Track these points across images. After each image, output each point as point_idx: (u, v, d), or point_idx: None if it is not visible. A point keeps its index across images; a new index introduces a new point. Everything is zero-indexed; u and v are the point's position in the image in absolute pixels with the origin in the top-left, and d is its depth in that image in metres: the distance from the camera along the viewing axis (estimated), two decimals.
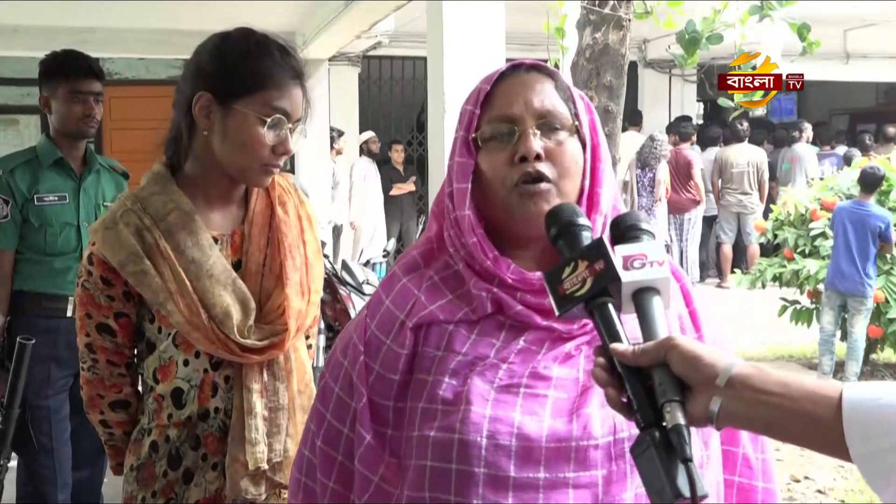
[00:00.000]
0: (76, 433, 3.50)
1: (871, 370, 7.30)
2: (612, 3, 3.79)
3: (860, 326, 6.61)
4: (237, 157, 1.88)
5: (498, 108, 1.30)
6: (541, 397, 1.19)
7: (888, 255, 6.71)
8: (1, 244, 3.27)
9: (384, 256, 6.75)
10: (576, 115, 1.31)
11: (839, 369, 6.88)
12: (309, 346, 2.17)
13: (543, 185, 1.25)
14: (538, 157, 1.25)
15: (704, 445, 1.24)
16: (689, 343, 0.99)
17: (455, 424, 1.17)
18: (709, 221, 11.43)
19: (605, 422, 1.16)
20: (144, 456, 1.92)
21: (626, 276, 1.04)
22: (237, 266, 1.93)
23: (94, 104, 3.49)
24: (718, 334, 1.35)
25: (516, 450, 1.15)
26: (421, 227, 11.42)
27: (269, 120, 1.84)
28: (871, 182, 6.66)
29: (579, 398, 1.18)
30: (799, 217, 7.23)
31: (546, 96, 1.30)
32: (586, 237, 1.12)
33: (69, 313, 3.41)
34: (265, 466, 1.88)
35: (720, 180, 11.14)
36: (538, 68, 1.34)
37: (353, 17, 5.63)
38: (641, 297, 1.04)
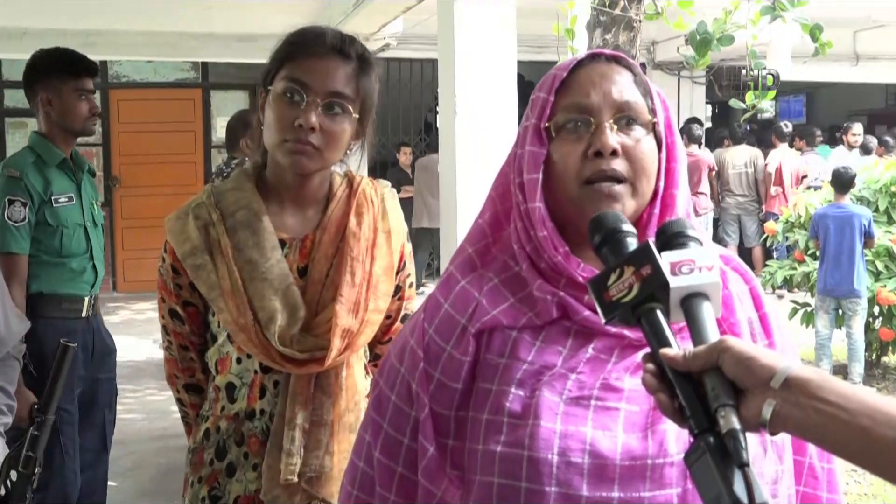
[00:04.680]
0: (81, 435, 3.50)
1: (883, 373, 7.26)
2: (622, 4, 3.77)
3: (858, 327, 6.65)
4: (268, 139, 1.83)
5: (574, 97, 1.23)
6: (612, 410, 1.13)
7: None
8: (19, 248, 3.22)
9: None
10: (653, 111, 1.25)
11: (842, 371, 6.85)
12: None
13: (618, 187, 1.19)
14: (614, 153, 1.19)
15: (779, 460, 1.19)
16: (742, 344, 0.95)
17: (524, 440, 1.11)
18: (712, 224, 11.39)
19: (681, 438, 1.10)
20: (198, 441, 1.94)
21: (674, 281, 1.00)
22: (303, 272, 1.88)
23: (94, 102, 3.48)
24: (788, 341, 1.29)
25: (589, 468, 1.09)
26: None
27: (287, 94, 1.78)
28: (843, 182, 6.74)
29: (653, 412, 1.12)
30: (810, 219, 7.20)
31: (625, 88, 1.23)
32: (631, 243, 1.07)
33: (84, 313, 3.42)
34: (295, 479, 1.83)
35: (719, 182, 11.11)
36: (618, 59, 1.27)
37: (361, 19, 5.63)
38: (690, 303, 1.00)
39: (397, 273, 1.98)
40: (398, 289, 2.01)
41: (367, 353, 2.07)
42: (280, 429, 1.84)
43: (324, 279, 1.87)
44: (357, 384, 1.92)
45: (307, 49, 1.82)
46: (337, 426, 1.88)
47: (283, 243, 1.87)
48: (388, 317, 2.02)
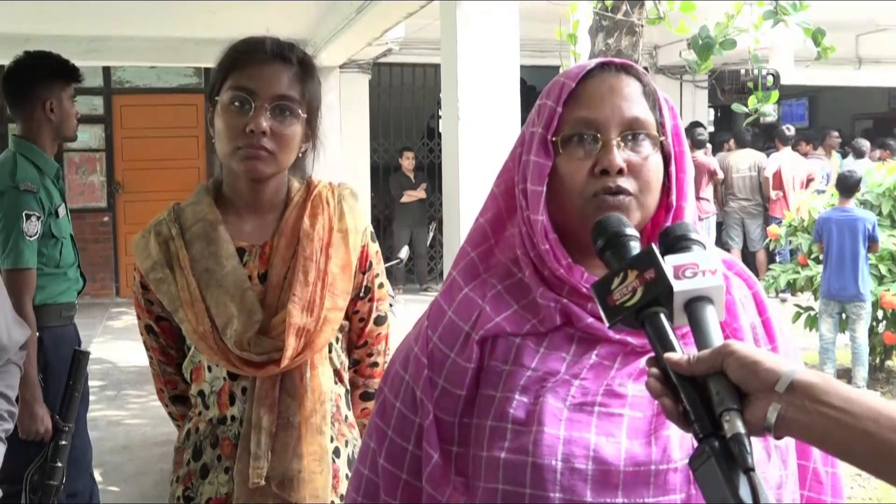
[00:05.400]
0: (77, 437, 3.50)
1: (887, 377, 7.25)
2: (624, 8, 3.78)
3: (862, 331, 6.64)
4: (220, 149, 1.87)
5: (582, 111, 1.22)
6: (616, 417, 1.12)
7: None
8: (33, 262, 3.21)
9: (397, 264, 6.75)
10: (661, 124, 1.24)
11: (845, 375, 6.84)
12: (375, 365, 2.12)
13: (623, 198, 1.19)
14: (620, 171, 1.19)
15: (783, 464, 1.18)
16: (747, 349, 0.95)
17: (528, 446, 1.11)
18: (716, 228, 11.39)
19: (684, 443, 1.10)
20: (181, 440, 2.00)
21: (677, 285, 1.00)
22: (264, 277, 1.91)
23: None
24: (791, 346, 1.29)
25: (593, 474, 1.09)
26: (431, 233, 11.44)
27: (235, 103, 1.82)
28: (848, 186, 6.74)
29: (656, 418, 1.12)
30: (813, 223, 7.19)
31: (634, 103, 1.22)
32: (634, 247, 1.08)
33: (73, 319, 3.48)
34: (262, 483, 1.85)
35: (723, 186, 11.12)
36: (627, 69, 1.26)
37: (363, 24, 5.63)
38: (694, 306, 1.00)
39: (363, 273, 2.00)
40: (367, 289, 2.03)
41: (343, 358, 2.07)
42: (248, 433, 1.87)
43: (282, 282, 1.90)
44: (322, 385, 1.93)
45: (249, 57, 1.86)
46: (304, 428, 1.89)
47: (243, 251, 1.91)
48: (360, 319, 2.05)
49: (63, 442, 3.07)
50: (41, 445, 3.09)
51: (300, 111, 1.88)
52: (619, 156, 1.19)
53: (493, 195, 1.31)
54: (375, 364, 2.12)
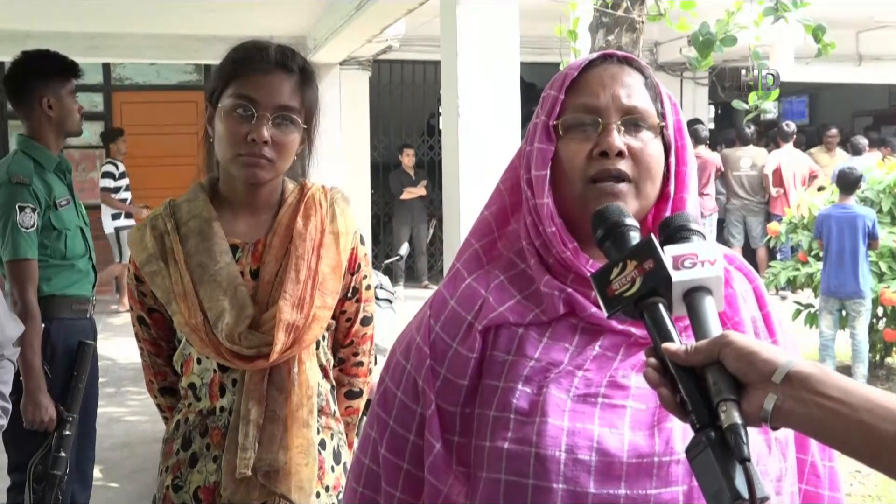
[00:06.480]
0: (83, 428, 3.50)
1: (887, 374, 7.25)
2: (625, 5, 3.78)
3: (862, 328, 6.64)
4: (221, 153, 1.93)
5: (583, 96, 1.24)
6: (619, 408, 1.13)
7: None
8: (32, 253, 3.22)
9: (397, 261, 6.76)
10: (662, 115, 1.26)
11: (845, 372, 6.84)
12: (360, 364, 2.17)
13: (622, 186, 1.20)
14: (619, 154, 1.20)
15: (783, 457, 1.19)
16: (744, 339, 0.95)
17: (531, 437, 1.12)
18: (717, 224, 11.39)
19: (687, 435, 1.08)
20: (170, 432, 2.06)
21: (676, 276, 1.00)
22: (256, 274, 1.96)
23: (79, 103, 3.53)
24: (791, 340, 1.30)
25: (596, 465, 1.10)
26: (431, 230, 11.44)
27: (237, 110, 1.87)
28: (849, 183, 6.73)
29: (659, 410, 1.13)
30: (813, 220, 7.19)
31: (634, 91, 1.24)
32: (634, 237, 1.08)
33: (88, 314, 3.47)
34: (249, 473, 1.89)
35: (723, 181, 11.10)
36: (629, 61, 1.28)
37: (364, 21, 5.63)
38: (693, 297, 1.01)
39: (352, 274, 2.06)
40: (355, 290, 2.08)
41: (329, 356, 2.11)
42: (236, 425, 1.92)
43: (273, 279, 1.95)
44: (309, 380, 1.98)
45: (251, 65, 1.91)
46: (290, 421, 1.94)
47: (236, 248, 1.97)
48: (347, 319, 2.10)
49: (67, 432, 3.11)
50: (45, 436, 3.11)
51: (300, 120, 1.93)
52: (619, 139, 1.20)
53: (498, 190, 1.32)
54: (360, 363, 2.18)
